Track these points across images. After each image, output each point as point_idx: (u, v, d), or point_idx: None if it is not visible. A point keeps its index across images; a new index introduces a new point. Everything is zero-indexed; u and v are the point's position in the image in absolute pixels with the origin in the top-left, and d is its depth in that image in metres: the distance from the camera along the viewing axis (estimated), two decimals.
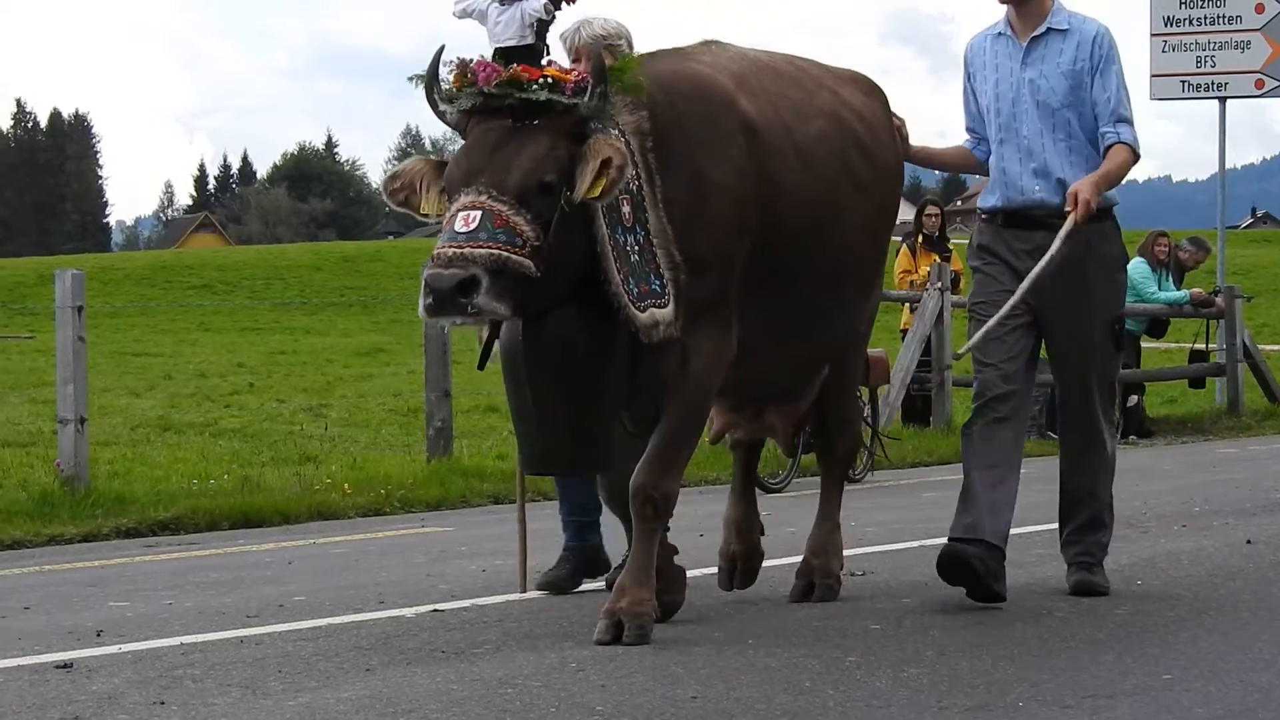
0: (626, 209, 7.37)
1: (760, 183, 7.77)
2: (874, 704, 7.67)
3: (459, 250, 6.85)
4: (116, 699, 7.97)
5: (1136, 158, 8.44)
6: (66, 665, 8.83)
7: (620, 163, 7.11)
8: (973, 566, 8.15)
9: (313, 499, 14.72)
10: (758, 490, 12.16)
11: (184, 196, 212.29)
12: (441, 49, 7.32)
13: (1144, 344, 27.04)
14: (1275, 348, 32.06)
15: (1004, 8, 8.44)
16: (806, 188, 8.14)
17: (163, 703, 7.77)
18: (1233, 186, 32.97)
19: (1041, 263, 8.08)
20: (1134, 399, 25.65)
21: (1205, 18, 30.57)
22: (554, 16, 6.89)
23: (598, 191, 6.99)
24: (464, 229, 6.87)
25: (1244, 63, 30.03)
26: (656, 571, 8.51)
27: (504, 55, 6.38)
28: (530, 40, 6.52)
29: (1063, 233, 8.18)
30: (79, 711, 7.70)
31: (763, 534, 10.30)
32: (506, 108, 7.13)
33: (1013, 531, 10.54)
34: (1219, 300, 26.67)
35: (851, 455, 10.93)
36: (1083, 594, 8.48)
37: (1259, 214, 77.37)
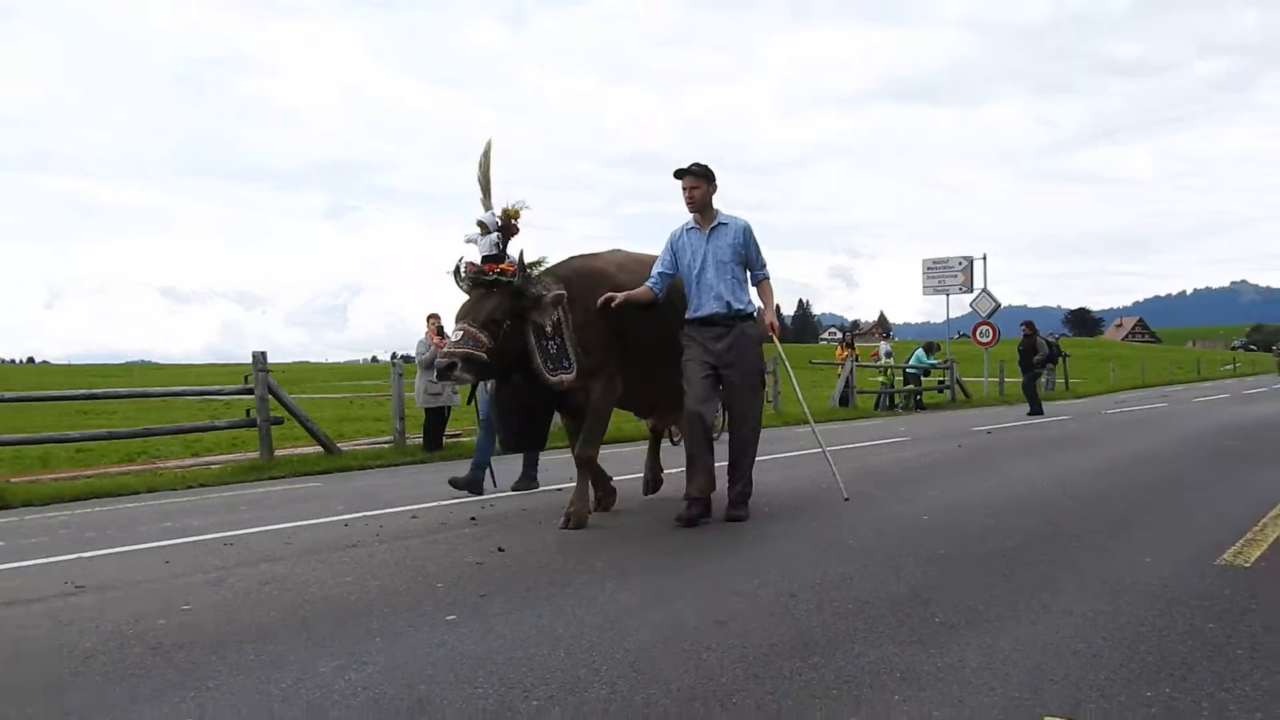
0: (549, 327, 6.50)
1: (623, 316, 6.70)
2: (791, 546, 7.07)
3: (451, 350, 6.25)
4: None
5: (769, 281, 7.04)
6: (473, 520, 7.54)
7: (539, 311, 6.50)
8: (698, 516, 6.60)
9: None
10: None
11: None
12: (461, 258, 6.65)
13: (923, 380, 26.24)
14: (969, 378, 31.05)
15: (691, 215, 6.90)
16: (644, 316, 6.86)
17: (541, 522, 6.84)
18: (953, 324, 31.61)
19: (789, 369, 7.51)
20: (919, 396, 24.89)
21: (940, 266, 30.24)
22: (508, 239, 6.64)
23: (545, 324, 6.48)
24: (454, 339, 6.31)
25: (953, 284, 29.65)
26: (599, 485, 7.44)
27: (485, 259, 6.35)
28: (495, 252, 6.39)
29: (766, 339, 6.93)
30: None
31: (662, 471, 8.41)
32: (480, 284, 6.49)
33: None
34: (949, 364, 26.22)
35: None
36: (732, 520, 6.65)
37: (961, 334, 75.63)
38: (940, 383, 27.83)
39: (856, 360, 24.72)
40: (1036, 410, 20.14)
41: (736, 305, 6.74)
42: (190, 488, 10.38)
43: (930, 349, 27.65)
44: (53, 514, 8.62)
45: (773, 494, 7.99)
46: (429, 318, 13.90)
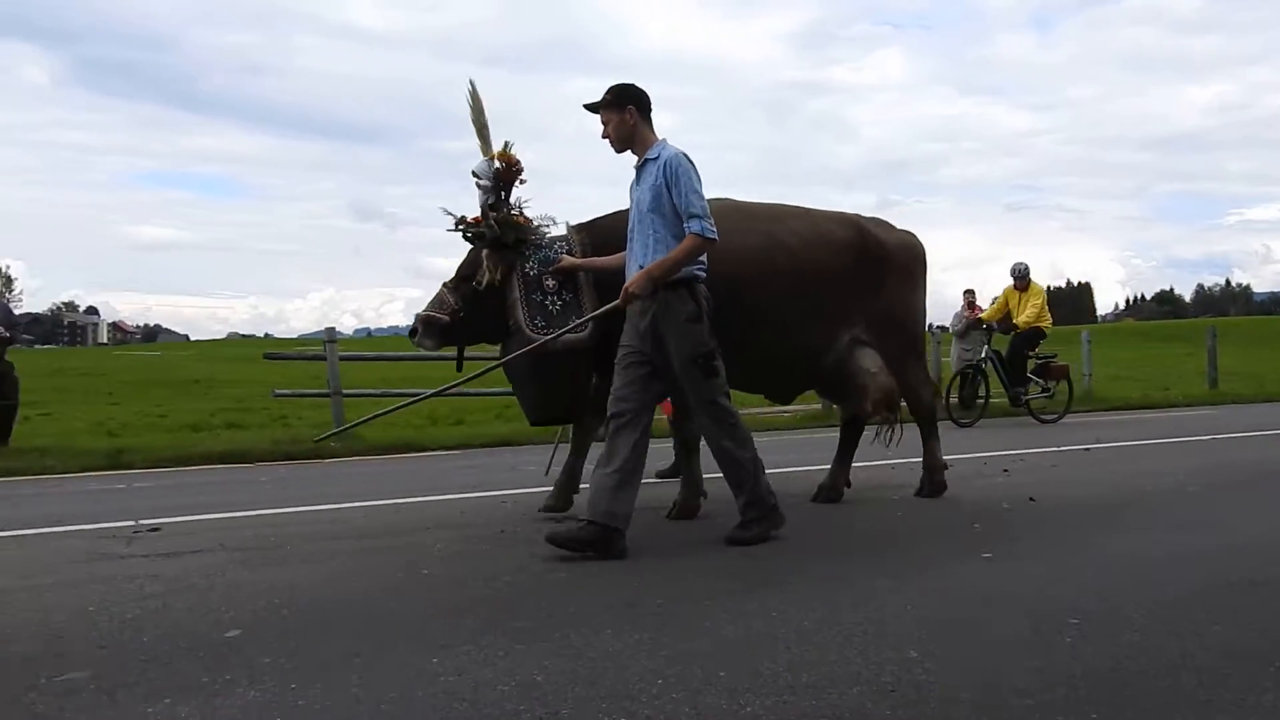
0: (551, 283, 4.76)
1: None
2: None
3: (419, 313, 4.80)
4: None
5: (706, 240, 4.18)
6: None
7: (490, 268, 4.71)
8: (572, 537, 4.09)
9: None
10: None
11: None
12: (462, 217, 4.82)
13: None
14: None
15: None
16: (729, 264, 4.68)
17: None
18: None
19: (589, 316, 4.64)
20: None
21: None
22: (505, 188, 4.75)
23: (484, 284, 4.72)
24: (429, 301, 4.84)
25: None
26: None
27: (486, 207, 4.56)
28: (490, 200, 4.40)
29: (605, 308, 4.51)
30: None
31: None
32: (466, 239, 4.81)
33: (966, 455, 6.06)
34: None
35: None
36: (733, 543, 4.31)
37: None
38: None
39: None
40: None
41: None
42: (770, 430, 10.92)
43: None
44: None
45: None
46: (965, 292, 13.61)
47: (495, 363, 5.00)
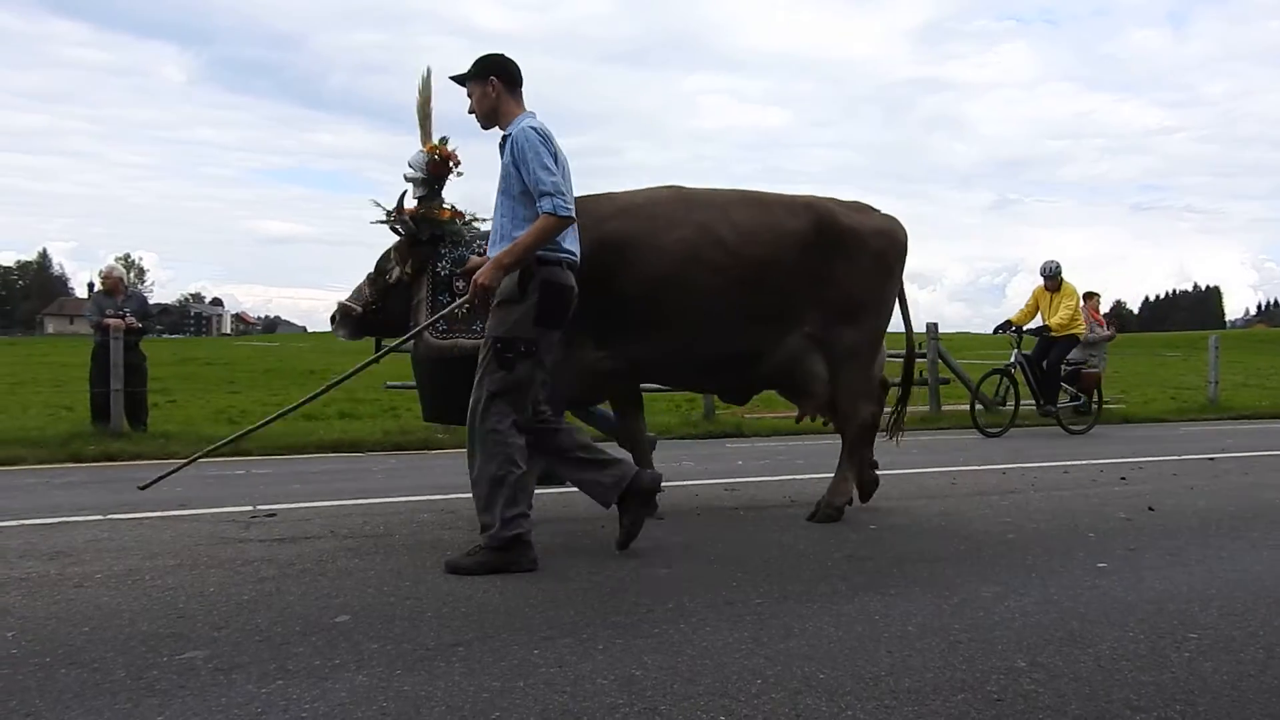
0: (461, 284, 4.43)
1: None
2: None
3: (339, 300, 4.71)
4: None
5: (560, 219, 3.67)
6: None
7: (396, 262, 4.60)
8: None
9: None
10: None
11: None
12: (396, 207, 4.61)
13: None
14: None
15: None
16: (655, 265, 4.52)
17: None
18: None
19: (443, 312, 4.30)
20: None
21: None
22: (438, 182, 4.54)
23: (394, 278, 4.57)
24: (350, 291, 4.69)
25: None
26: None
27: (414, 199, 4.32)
28: (421, 193, 4.34)
29: (459, 302, 4.18)
30: None
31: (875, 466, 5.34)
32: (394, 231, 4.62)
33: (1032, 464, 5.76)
34: None
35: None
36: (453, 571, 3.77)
37: None
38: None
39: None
40: None
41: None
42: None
43: None
44: (773, 443, 9.39)
45: None
46: (1086, 295, 13.17)
47: (384, 351, 4.64)
